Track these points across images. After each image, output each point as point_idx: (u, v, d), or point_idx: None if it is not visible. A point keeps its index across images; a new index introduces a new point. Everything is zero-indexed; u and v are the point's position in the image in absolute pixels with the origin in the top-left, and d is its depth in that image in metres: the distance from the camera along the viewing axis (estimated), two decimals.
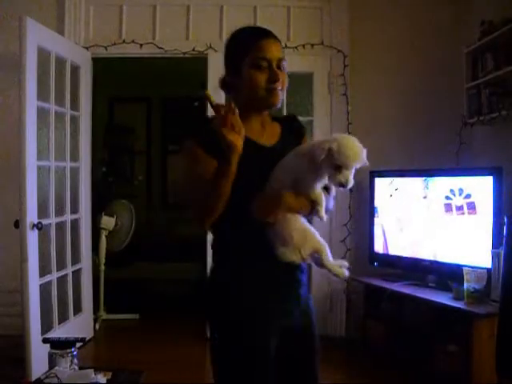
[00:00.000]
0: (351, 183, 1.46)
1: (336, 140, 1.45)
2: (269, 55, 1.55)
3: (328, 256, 1.52)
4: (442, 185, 3.46)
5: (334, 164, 1.45)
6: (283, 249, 1.50)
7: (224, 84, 1.65)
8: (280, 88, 1.58)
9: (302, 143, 1.69)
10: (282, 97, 1.60)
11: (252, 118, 1.61)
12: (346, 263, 1.55)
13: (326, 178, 1.50)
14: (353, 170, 1.47)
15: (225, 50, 1.65)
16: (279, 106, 1.62)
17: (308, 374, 1.69)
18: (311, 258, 1.53)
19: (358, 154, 1.45)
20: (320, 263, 1.53)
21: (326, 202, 1.56)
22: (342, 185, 1.47)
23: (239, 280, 1.56)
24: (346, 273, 1.54)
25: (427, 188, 3.57)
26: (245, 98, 1.59)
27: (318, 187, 1.52)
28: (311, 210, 1.53)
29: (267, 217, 1.49)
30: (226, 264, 1.61)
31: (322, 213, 1.53)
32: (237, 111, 1.42)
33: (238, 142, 1.42)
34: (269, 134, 1.65)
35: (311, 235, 1.53)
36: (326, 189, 1.57)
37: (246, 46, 1.57)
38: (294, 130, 1.72)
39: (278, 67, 1.57)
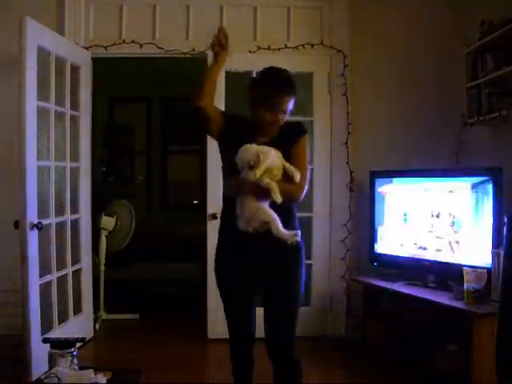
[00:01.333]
0: (249, 178, 2.05)
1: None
2: None
3: (277, 226, 2.06)
4: (442, 185, 3.47)
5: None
6: (238, 220, 2.10)
7: None
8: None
9: (297, 145, 2.26)
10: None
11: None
12: (298, 232, 2.11)
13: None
14: (246, 169, 2.06)
15: None
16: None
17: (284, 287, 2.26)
18: (263, 228, 2.06)
19: (240, 157, 2.08)
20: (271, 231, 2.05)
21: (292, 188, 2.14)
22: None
23: (220, 231, 2.36)
24: (298, 238, 2.09)
25: (427, 188, 3.57)
26: None
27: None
28: (267, 194, 2.05)
29: (234, 193, 2.15)
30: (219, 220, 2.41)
31: (275, 197, 2.04)
32: (226, 34, 2.28)
33: (222, 53, 2.30)
34: (268, 134, 2.28)
35: (262, 211, 2.07)
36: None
37: None
38: (289, 133, 2.28)
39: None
